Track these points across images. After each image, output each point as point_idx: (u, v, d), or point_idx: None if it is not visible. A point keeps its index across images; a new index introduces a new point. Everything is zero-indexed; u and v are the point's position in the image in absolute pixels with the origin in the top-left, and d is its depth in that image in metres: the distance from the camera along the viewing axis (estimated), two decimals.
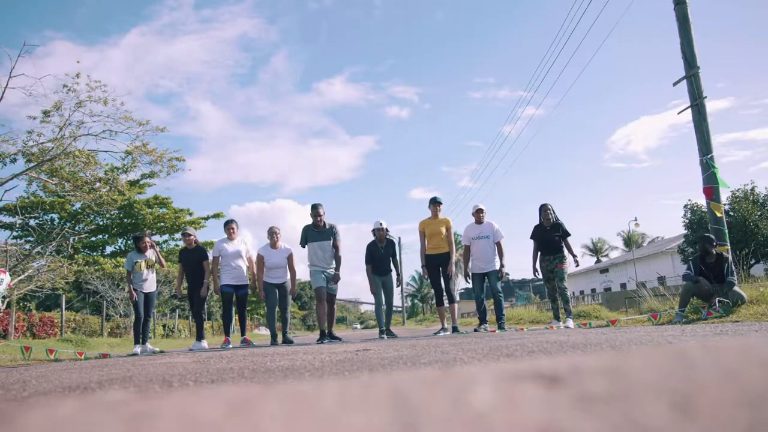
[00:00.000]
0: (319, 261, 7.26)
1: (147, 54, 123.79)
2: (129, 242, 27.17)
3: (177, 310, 26.87)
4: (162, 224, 27.37)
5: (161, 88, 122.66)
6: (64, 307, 15.93)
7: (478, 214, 7.63)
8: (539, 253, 7.55)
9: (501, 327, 7.23)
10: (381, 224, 7.46)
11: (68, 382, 2.23)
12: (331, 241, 7.32)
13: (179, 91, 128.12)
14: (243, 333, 7.78)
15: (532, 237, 7.68)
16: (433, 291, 7.56)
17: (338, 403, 0.40)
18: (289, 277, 7.64)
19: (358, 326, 63.56)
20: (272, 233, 7.59)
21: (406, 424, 0.37)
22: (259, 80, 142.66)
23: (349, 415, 0.38)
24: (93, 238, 27.01)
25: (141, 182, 23.80)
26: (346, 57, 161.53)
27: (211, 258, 7.66)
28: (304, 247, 7.40)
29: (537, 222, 7.68)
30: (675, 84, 8.00)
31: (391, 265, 7.59)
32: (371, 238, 7.51)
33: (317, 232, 7.26)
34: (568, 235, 7.49)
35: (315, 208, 7.26)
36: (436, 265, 7.33)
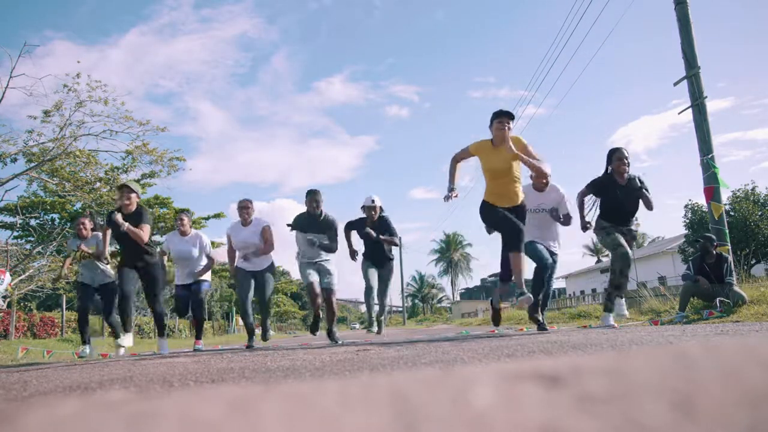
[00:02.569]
0: (311, 254, 6.02)
1: (147, 54, 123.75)
2: None
3: None
4: (162, 224, 27.37)
5: (161, 88, 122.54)
6: (64, 307, 15.95)
7: (538, 180, 5.37)
8: (602, 219, 5.34)
9: (536, 307, 5.39)
10: (373, 201, 6.20)
11: (69, 382, 2.24)
12: (326, 236, 6.06)
13: (179, 91, 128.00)
14: (198, 337, 6.66)
15: (590, 191, 5.37)
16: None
17: (339, 403, 0.40)
18: (269, 263, 6.31)
19: (358, 326, 63.57)
20: (242, 207, 6.14)
21: (407, 424, 0.37)
22: (259, 80, 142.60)
23: (350, 415, 0.38)
24: None
25: (141, 182, 23.72)
26: (346, 56, 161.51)
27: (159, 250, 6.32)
28: (291, 230, 6.12)
29: (603, 174, 5.33)
30: (676, 84, 8.00)
31: (389, 252, 6.35)
32: None
33: (311, 222, 5.96)
34: (648, 196, 5.21)
35: (311, 194, 5.92)
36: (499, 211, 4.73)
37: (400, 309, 46.90)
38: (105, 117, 12.11)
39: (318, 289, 5.91)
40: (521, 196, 4.76)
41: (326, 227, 5.97)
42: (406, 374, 0.49)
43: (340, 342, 6.05)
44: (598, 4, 46.47)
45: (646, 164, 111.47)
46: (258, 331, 6.52)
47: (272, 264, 6.34)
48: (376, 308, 6.43)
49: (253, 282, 6.15)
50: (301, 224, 6.00)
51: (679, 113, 7.94)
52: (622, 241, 5.14)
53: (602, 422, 0.36)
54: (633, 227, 5.40)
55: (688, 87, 7.75)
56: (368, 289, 6.32)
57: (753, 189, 19.22)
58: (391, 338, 6.72)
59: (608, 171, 5.30)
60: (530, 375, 0.44)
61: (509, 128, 4.57)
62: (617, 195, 5.19)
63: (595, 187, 5.36)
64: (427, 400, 0.40)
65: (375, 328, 6.33)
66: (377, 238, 6.14)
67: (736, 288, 6.48)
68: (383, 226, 6.27)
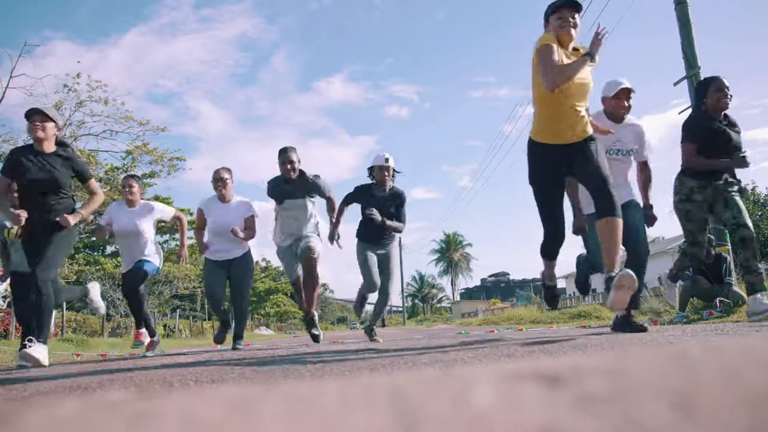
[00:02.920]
0: (291, 228, 4.84)
1: (147, 54, 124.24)
2: None
3: (178, 310, 26.86)
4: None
5: (161, 88, 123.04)
6: (64, 307, 15.94)
7: (620, 101, 3.70)
8: (685, 176, 4.16)
9: (635, 303, 3.70)
10: (387, 160, 4.89)
11: (69, 382, 2.23)
12: (308, 200, 4.83)
13: (179, 91, 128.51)
14: (138, 327, 4.98)
15: (691, 138, 3.96)
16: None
17: (339, 403, 0.40)
18: (246, 250, 5.02)
19: (358, 326, 63.64)
20: (218, 179, 4.90)
21: (407, 424, 0.37)
22: (259, 80, 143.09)
23: (350, 415, 0.38)
24: (93, 238, 27.04)
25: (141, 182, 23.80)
26: (346, 56, 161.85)
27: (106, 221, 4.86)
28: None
29: (694, 113, 4.12)
30: (676, 84, 8.00)
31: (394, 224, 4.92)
32: None
33: (288, 188, 4.76)
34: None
35: (285, 153, 4.70)
36: (557, 166, 3.13)
37: (400, 309, 46.92)
38: (105, 117, 12.17)
39: (301, 282, 4.84)
40: (584, 132, 3.06)
41: (308, 188, 4.79)
42: (406, 374, 0.50)
43: (319, 337, 5.19)
44: (598, 4, 46.49)
45: None
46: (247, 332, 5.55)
47: (249, 251, 5.09)
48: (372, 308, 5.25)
49: (225, 274, 4.93)
50: (277, 192, 4.83)
51: (679, 113, 7.92)
52: (702, 236, 4.12)
53: (602, 422, 0.36)
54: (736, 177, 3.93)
55: (688, 87, 7.74)
56: (371, 286, 4.99)
57: (753, 189, 19.24)
58: (391, 338, 6.70)
59: (700, 108, 3.98)
60: (530, 375, 0.44)
61: (575, 24, 3.02)
62: (715, 136, 3.76)
63: (697, 135, 3.83)
64: (427, 400, 0.40)
65: (376, 335, 5.23)
66: (382, 222, 4.78)
67: (736, 288, 6.48)
68: (394, 199, 4.92)
